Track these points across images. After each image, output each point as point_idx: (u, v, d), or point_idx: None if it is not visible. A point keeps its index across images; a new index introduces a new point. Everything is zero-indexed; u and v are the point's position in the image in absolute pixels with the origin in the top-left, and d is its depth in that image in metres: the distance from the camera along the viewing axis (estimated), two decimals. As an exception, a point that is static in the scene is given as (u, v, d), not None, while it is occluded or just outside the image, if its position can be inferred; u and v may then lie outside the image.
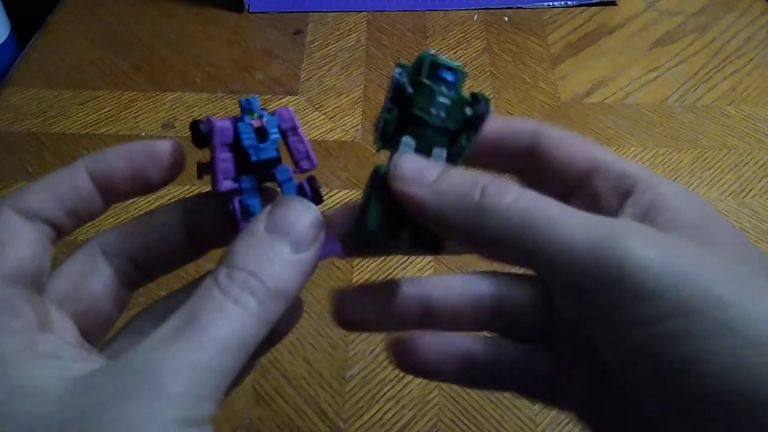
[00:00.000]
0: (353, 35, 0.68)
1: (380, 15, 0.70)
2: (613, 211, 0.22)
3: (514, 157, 0.25)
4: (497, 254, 0.22)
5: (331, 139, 0.57)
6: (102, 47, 0.66)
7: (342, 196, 0.53)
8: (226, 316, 0.18)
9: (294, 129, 0.23)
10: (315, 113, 0.59)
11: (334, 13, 0.70)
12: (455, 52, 0.66)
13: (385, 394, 0.42)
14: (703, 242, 0.20)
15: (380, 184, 0.22)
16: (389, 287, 0.25)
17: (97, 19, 0.69)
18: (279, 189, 0.23)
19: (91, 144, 0.56)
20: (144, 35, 0.67)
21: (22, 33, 0.69)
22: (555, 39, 0.67)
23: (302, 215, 0.21)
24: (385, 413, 0.41)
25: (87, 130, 0.57)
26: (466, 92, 0.23)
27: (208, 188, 0.23)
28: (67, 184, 0.22)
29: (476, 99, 0.23)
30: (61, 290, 0.22)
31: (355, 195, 0.53)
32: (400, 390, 0.42)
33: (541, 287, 0.26)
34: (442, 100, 0.23)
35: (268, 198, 0.23)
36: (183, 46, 0.66)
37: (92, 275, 0.23)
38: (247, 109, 0.22)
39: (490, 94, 0.61)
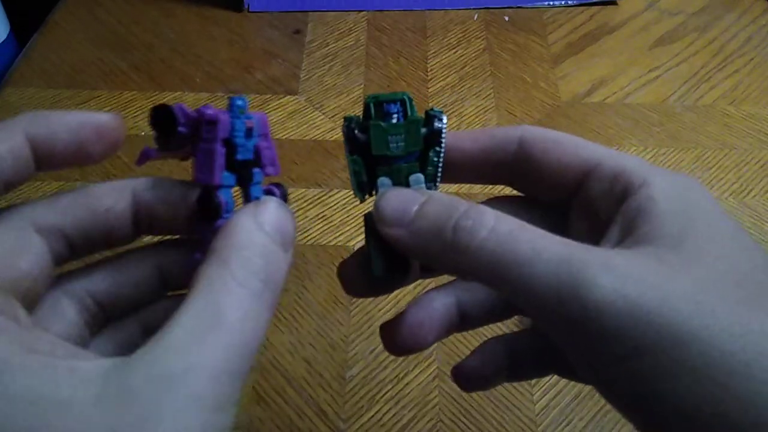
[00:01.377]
0: (353, 35, 0.67)
1: (380, 15, 0.70)
2: (609, 217, 0.22)
3: (505, 169, 0.25)
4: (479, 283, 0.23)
5: (331, 139, 0.57)
6: (101, 47, 0.66)
7: (342, 196, 0.53)
8: (247, 317, 0.19)
9: (266, 135, 0.24)
10: (315, 113, 0.59)
11: (334, 13, 0.70)
12: (455, 52, 0.66)
13: (385, 394, 0.42)
14: (682, 255, 0.19)
15: (374, 228, 0.23)
16: (425, 305, 0.26)
17: (97, 19, 0.69)
18: (243, 190, 0.23)
19: (90, 144, 0.56)
20: (143, 35, 0.67)
21: (21, 33, 0.69)
22: (555, 39, 0.67)
23: (289, 217, 0.22)
24: (385, 413, 0.41)
25: (86, 130, 0.57)
26: (421, 113, 0.24)
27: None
28: (4, 149, 0.20)
29: (428, 116, 0.24)
30: None
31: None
32: (400, 390, 0.42)
33: None
34: (395, 131, 0.23)
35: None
36: (182, 45, 0.66)
37: (25, 253, 0.21)
38: (242, 108, 0.23)
39: (490, 93, 0.61)
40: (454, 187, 0.52)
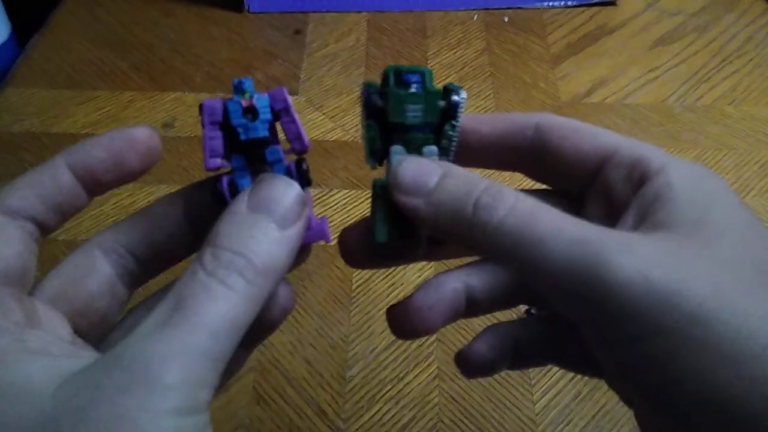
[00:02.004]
0: (353, 35, 0.68)
1: (380, 15, 0.70)
2: (625, 204, 0.22)
3: (520, 155, 0.25)
4: (494, 262, 0.22)
5: (331, 139, 0.57)
6: (102, 47, 0.66)
7: (342, 196, 0.53)
8: (213, 298, 0.18)
9: (287, 110, 0.23)
10: (315, 113, 0.59)
11: (334, 13, 0.70)
12: (455, 52, 0.66)
13: (385, 394, 0.42)
14: (700, 241, 0.20)
15: (381, 195, 0.23)
16: (433, 288, 0.25)
17: (97, 19, 0.69)
18: (270, 169, 0.23)
19: (91, 144, 0.56)
20: (144, 35, 0.67)
21: (22, 33, 0.69)
22: (555, 39, 0.67)
23: (284, 192, 0.21)
24: (385, 413, 0.41)
25: (87, 130, 0.57)
26: (439, 86, 0.24)
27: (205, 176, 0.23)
28: (48, 179, 0.22)
29: (447, 89, 0.23)
30: (56, 289, 0.22)
31: (355, 195, 0.53)
32: (400, 390, 0.42)
33: None
34: (413, 100, 0.23)
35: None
36: (183, 45, 0.66)
37: (89, 274, 0.22)
38: (239, 88, 0.22)
39: (489, 94, 0.61)
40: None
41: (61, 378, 0.17)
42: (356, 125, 0.58)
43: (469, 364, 0.26)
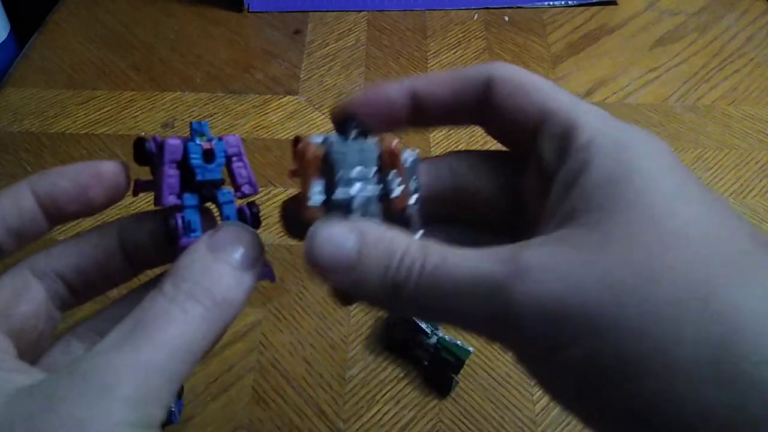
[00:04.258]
0: (353, 35, 0.67)
1: (380, 15, 0.70)
2: (552, 178, 0.21)
3: (473, 113, 0.24)
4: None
5: (331, 139, 0.57)
6: (101, 47, 0.66)
7: (342, 196, 0.53)
8: (172, 321, 0.19)
9: (239, 155, 0.24)
10: (315, 113, 0.59)
11: (334, 13, 0.70)
12: (455, 52, 0.66)
13: (385, 394, 0.41)
14: (600, 234, 0.18)
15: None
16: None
17: (97, 19, 0.69)
18: (218, 210, 0.24)
19: (90, 144, 0.56)
20: (143, 35, 0.67)
21: (21, 33, 0.69)
22: (555, 39, 0.67)
23: (244, 237, 0.21)
24: (384, 414, 0.41)
25: (86, 130, 0.57)
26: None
27: (147, 207, 0.24)
28: (10, 204, 0.22)
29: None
30: None
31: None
32: (400, 390, 0.42)
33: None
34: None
35: (208, 217, 0.24)
36: (182, 45, 0.66)
37: (23, 295, 0.22)
38: (198, 131, 0.23)
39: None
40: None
41: (14, 390, 0.17)
42: (356, 125, 0.58)
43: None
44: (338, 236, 0.20)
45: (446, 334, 0.41)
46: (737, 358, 0.16)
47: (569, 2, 0.71)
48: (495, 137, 0.25)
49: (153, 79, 0.62)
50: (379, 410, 0.41)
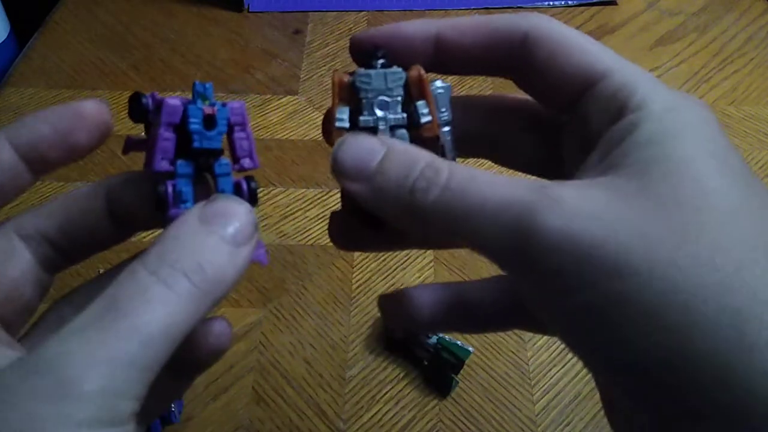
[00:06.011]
0: (355, 33, 0.67)
1: (380, 15, 0.70)
2: (597, 139, 0.21)
3: (506, 67, 0.23)
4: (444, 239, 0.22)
5: (331, 139, 0.57)
6: (101, 47, 0.66)
7: (342, 196, 0.53)
8: (151, 301, 0.17)
9: (243, 125, 0.22)
10: (315, 113, 0.59)
11: (334, 13, 0.70)
12: (455, 52, 0.66)
13: (385, 394, 0.41)
14: (642, 183, 0.18)
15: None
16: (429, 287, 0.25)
17: (97, 19, 0.69)
18: (214, 182, 0.22)
19: (90, 144, 0.56)
20: (143, 35, 0.67)
21: (21, 33, 0.69)
22: (555, 39, 0.67)
23: (239, 210, 0.20)
24: (384, 414, 0.41)
25: (86, 130, 0.57)
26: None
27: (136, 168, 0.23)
28: None
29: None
30: None
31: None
32: (400, 391, 0.42)
33: None
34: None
35: (202, 189, 0.22)
36: (182, 45, 0.66)
37: (9, 260, 0.21)
38: (201, 93, 0.22)
39: (490, 93, 0.61)
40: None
41: None
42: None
43: (406, 308, 0.25)
44: (366, 143, 0.21)
45: (446, 334, 0.41)
46: (759, 328, 0.16)
47: (569, 2, 0.71)
48: (528, 92, 0.24)
49: (153, 79, 0.62)
50: (379, 410, 0.41)
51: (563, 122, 0.23)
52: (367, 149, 0.20)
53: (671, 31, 0.68)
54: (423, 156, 0.20)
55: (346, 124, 0.22)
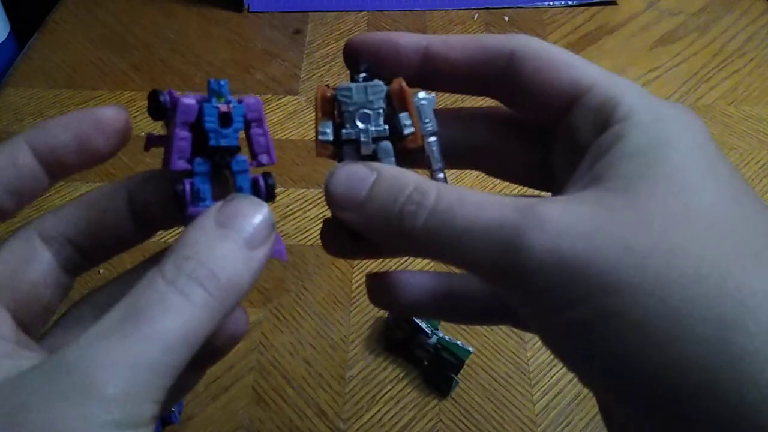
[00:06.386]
0: (353, 35, 0.67)
1: (380, 15, 0.70)
2: (584, 150, 0.21)
3: (492, 84, 0.23)
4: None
5: (331, 139, 0.57)
6: (101, 47, 0.66)
7: (342, 196, 0.53)
8: (169, 309, 0.17)
9: (259, 121, 0.22)
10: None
11: (334, 13, 0.70)
12: (455, 52, 0.66)
13: (385, 394, 0.41)
14: (628, 197, 0.18)
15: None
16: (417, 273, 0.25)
17: (97, 19, 0.69)
18: (232, 179, 0.22)
19: (90, 144, 0.56)
20: (143, 35, 0.67)
21: (21, 33, 0.69)
22: (555, 39, 0.67)
23: (255, 212, 0.20)
24: (384, 414, 0.41)
25: (86, 130, 0.57)
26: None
27: (156, 167, 0.23)
28: (7, 161, 0.20)
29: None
30: None
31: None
32: (400, 391, 0.42)
33: None
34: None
35: (220, 187, 0.22)
36: (182, 45, 0.66)
37: (30, 262, 0.21)
38: (216, 91, 0.22)
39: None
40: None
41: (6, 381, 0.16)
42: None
43: (391, 289, 0.26)
44: (355, 171, 0.21)
45: (446, 334, 0.41)
46: (745, 337, 0.16)
47: (569, 2, 0.71)
48: (515, 110, 0.24)
49: (153, 79, 0.62)
50: (379, 410, 0.41)
51: (552, 134, 0.23)
52: (357, 178, 0.21)
53: (671, 31, 0.68)
54: (411, 180, 0.20)
55: (330, 137, 0.23)
